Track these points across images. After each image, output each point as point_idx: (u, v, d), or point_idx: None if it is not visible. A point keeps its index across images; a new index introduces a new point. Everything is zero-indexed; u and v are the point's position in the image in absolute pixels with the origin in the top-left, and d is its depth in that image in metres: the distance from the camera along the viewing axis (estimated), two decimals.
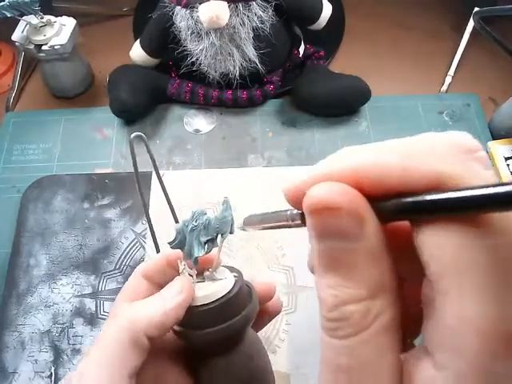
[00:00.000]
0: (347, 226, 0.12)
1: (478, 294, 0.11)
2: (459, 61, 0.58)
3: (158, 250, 0.30)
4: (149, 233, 0.46)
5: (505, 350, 0.11)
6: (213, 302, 0.23)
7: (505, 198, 0.10)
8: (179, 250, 0.24)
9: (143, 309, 0.23)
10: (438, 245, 0.11)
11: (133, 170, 0.27)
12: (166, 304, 0.22)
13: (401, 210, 0.12)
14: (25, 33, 0.51)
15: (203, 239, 0.23)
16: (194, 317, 0.24)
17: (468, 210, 0.11)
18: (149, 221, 0.28)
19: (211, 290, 0.24)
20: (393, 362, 0.13)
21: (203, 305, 0.23)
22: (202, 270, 0.25)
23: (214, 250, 0.24)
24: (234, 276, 0.25)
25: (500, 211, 0.11)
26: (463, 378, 0.11)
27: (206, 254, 0.24)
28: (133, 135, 0.26)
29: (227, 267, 0.26)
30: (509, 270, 0.11)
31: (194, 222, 0.23)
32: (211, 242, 0.24)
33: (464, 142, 0.13)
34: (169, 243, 0.24)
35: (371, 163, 0.12)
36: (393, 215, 0.13)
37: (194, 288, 0.24)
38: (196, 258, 0.24)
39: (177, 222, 0.28)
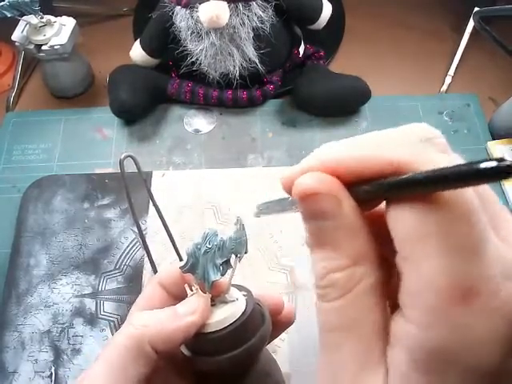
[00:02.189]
0: (326, 206, 0.14)
1: (431, 258, 0.13)
2: (459, 61, 0.58)
3: (155, 271, 0.29)
4: (149, 233, 0.46)
5: (457, 300, 0.13)
6: (227, 326, 0.22)
7: (448, 178, 0.12)
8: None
9: (153, 320, 0.22)
10: (400, 220, 0.14)
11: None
12: (178, 321, 0.22)
13: (368, 192, 0.15)
14: (25, 33, 0.51)
15: (218, 261, 0.22)
16: (208, 343, 0.23)
17: (419, 190, 0.13)
18: (146, 247, 0.28)
19: (224, 315, 0.23)
20: (378, 318, 0.15)
21: (217, 330, 0.22)
22: (214, 295, 0.24)
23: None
24: (244, 295, 0.25)
25: (447, 189, 0.13)
26: (427, 329, 0.13)
27: (222, 276, 0.23)
28: (123, 155, 0.25)
29: (235, 286, 0.25)
30: (455, 237, 0.13)
31: (207, 244, 0.22)
32: (226, 263, 0.23)
33: (421, 131, 0.15)
34: (180, 268, 0.23)
35: (342, 156, 0.15)
36: (366, 197, 0.15)
37: (210, 310, 0.23)
38: (213, 282, 0.22)
39: (180, 259, 0.27)
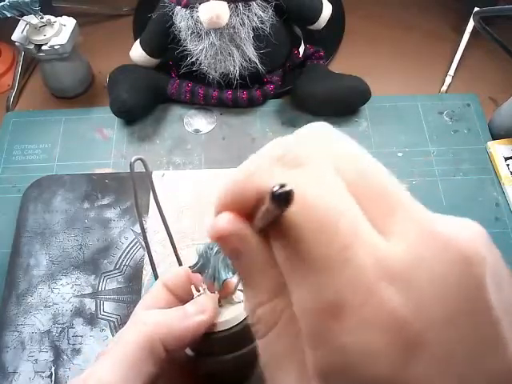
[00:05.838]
0: (234, 245, 0.14)
1: (298, 285, 0.13)
2: (459, 61, 0.58)
3: (156, 277, 0.29)
4: (149, 232, 0.46)
5: (328, 318, 0.12)
6: (233, 327, 0.23)
7: (276, 198, 0.11)
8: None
9: (165, 319, 0.23)
10: (276, 254, 0.14)
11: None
12: (188, 320, 0.22)
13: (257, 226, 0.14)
14: (25, 33, 0.51)
15: (230, 261, 0.23)
16: (214, 343, 0.23)
17: (266, 219, 0.13)
18: (149, 252, 0.28)
19: (231, 315, 0.23)
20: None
21: (223, 330, 0.23)
22: (221, 296, 0.24)
23: None
24: None
25: (277, 214, 0.12)
26: (313, 352, 0.13)
27: (233, 275, 0.23)
28: (133, 158, 0.26)
29: (242, 290, 0.26)
30: (309, 257, 0.12)
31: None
32: None
33: (273, 152, 0.14)
34: (190, 267, 0.23)
35: (225, 195, 0.15)
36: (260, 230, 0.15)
37: (218, 309, 0.23)
38: (224, 281, 0.23)
39: (178, 258, 0.27)
